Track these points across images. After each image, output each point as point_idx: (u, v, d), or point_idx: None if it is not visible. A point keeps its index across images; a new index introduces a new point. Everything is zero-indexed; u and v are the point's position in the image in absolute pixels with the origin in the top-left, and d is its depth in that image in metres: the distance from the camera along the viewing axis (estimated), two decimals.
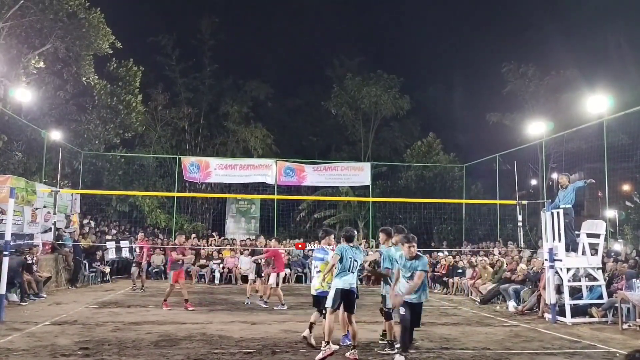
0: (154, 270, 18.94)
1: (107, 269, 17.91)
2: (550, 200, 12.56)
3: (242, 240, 21.44)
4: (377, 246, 18.98)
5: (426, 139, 28.79)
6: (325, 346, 7.11)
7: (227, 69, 29.85)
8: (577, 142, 21.09)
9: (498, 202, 20.98)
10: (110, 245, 18.76)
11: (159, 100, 27.23)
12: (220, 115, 28.83)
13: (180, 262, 12.17)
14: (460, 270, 16.65)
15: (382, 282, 8.24)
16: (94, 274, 17.28)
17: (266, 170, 22.77)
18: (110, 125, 22.69)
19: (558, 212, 11.41)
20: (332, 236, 8.61)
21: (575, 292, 11.48)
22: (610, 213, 20.71)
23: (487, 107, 28.68)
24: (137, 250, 15.72)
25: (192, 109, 28.18)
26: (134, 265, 16.26)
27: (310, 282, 9.42)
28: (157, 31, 28.33)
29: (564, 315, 10.75)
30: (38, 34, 19.33)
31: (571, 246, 11.50)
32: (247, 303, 12.85)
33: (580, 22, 33.48)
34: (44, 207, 17.41)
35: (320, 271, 8.01)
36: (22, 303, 11.96)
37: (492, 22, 46.19)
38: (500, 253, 17.01)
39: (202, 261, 19.02)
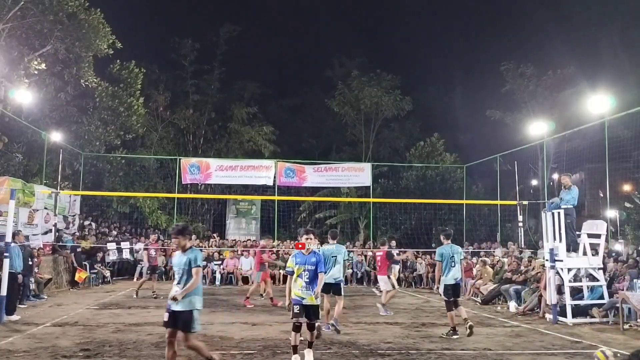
0: (156, 272, 18.92)
1: (107, 272, 17.84)
2: (551, 202, 12.52)
3: (243, 241, 21.46)
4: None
5: (430, 139, 28.78)
6: None
7: (231, 70, 29.88)
8: (577, 142, 21.07)
9: (499, 202, 20.96)
10: (111, 246, 18.76)
11: (160, 102, 27.24)
12: (224, 117, 28.84)
13: (266, 263, 13.41)
14: None
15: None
16: (94, 275, 17.26)
17: (266, 172, 22.77)
18: (111, 126, 22.69)
19: (559, 212, 11.41)
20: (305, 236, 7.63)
21: (576, 293, 11.47)
22: (611, 213, 20.67)
23: (487, 107, 28.69)
24: (153, 252, 15.16)
25: (194, 111, 28.18)
26: (148, 270, 15.10)
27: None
28: (158, 31, 28.43)
29: (565, 316, 10.74)
30: (38, 35, 19.32)
31: (572, 246, 11.49)
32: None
33: (581, 21, 33.41)
34: (45, 208, 17.42)
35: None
36: (20, 305, 11.80)
37: (491, 21, 46.15)
38: (505, 254, 16.97)
39: (203, 262, 19.00)
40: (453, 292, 9.17)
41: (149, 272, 14.98)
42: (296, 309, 7.00)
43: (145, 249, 15.68)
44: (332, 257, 9.48)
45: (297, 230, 24.46)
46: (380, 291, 13.77)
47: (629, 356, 2.52)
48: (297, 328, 7.05)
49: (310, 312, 7.05)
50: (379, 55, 43.71)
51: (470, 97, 34.35)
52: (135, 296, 14.04)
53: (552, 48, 32.22)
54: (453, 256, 9.23)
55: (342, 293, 9.62)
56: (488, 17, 45.06)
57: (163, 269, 19.26)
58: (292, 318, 7.06)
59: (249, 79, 30.77)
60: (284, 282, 17.44)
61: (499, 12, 45.37)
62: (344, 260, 9.67)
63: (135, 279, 19.00)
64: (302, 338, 7.19)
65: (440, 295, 9.53)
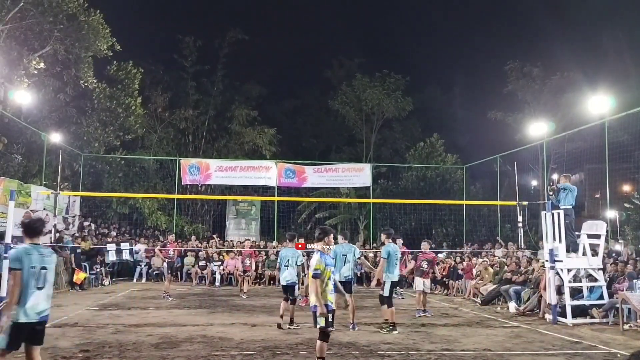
0: (154, 273, 18.92)
1: (106, 280, 17.68)
2: (550, 201, 12.53)
3: (241, 242, 21.40)
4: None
5: (429, 140, 28.80)
6: None
7: (232, 71, 29.83)
8: (577, 143, 21.08)
9: (499, 203, 20.96)
10: (111, 247, 18.75)
11: (159, 103, 27.22)
12: (224, 118, 28.83)
13: None
14: (461, 272, 16.63)
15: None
16: (94, 276, 17.24)
17: (266, 172, 22.77)
18: (110, 127, 22.70)
19: (558, 213, 11.40)
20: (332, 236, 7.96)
21: (576, 293, 11.47)
22: (611, 214, 20.66)
23: (489, 107, 28.75)
24: (171, 252, 14.84)
25: (194, 111, 28.15)
26: (169, 271, 14.70)
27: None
28: (159, 31, 28.40)
29: (565, 316, 10.73)
30: (37, 36, 19.32)
31: (572, 247, 11.49)
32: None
33: (582, 22, 33.53)
34: (44, 209, 17.39)
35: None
36: None
37: (494, 22, 46.24)
38: (505, 255, 16.95)
39: (202, 263, 18.96)
40: (394, 288, 9.89)
41: (169, 272, 14.73)
42: (330, 317, 6.30)
43: (161, 249, 15.61)
44: (343, 255, 9.89)
45: (298, 230, 24.58)
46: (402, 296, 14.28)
47: (629, 357, 2.48)
48: (328, 337, 6.41)
49: (333, 317, 6.47)
50: (379, 55, 43.82)
51: (472, 98, 34.42)
52: (169, 298, 13.79)
53: (555, 49, 32.20)
54: (396, 254, 9.89)
55: (352, 291, 9.99)
56: (490, 18, 45.13)
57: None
58: (327, 328, 6.29)
59: (250, 79, 30.79)
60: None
61: (501, 13, 45.45)
62: (355, 259, 10.04)
63: (134, 280, 19.02)
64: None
65: (382, 291, 9.77)
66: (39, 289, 4.98)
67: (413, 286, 12.55)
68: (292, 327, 9.65)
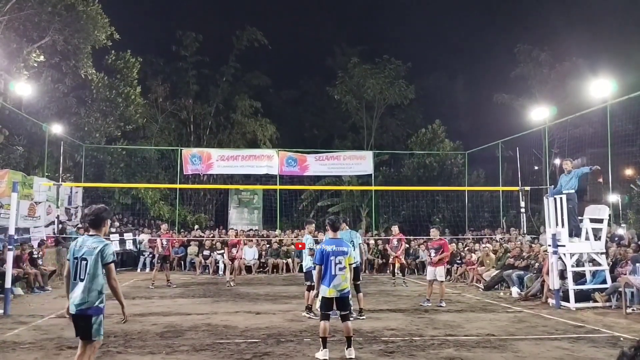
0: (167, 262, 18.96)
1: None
2: (553, 186, 12.51)
3: (245, 231, 21.48)
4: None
5: (431, 126, 28.70)
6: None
7: (240, 64, 29.61)
8: (580, 127, 20.97)
9: (501, 188, 20.92)
10: (114, 238, 18.81)
11: (159, 92, 27.14)
12: (227, 108, 28.74)
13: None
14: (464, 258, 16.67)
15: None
16: None
17: (268, 161, 22.76)
18: (110, 118, 22.66)
19: (561, 198, 11.38)
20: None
21: (579, 277, 11.48)
22: (614, 198, 20.63)
23: (491, 93, 28.63)
24: (165, 242, 14.97)
25: (196, 102, 28.07)
26: (158, 260, 14.97)
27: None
28: (159, 22, 28.28)
29: (568, 301, 10.76)
30: (36, 27, 19.22)
31: (574, 231, 11.47)
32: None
33: (583, 3, 33.08)
34: (47, 200, 17.44)
35: (345, 267, 6.83)
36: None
37: (500, 6, 45.70)
38: (504, 239, 17.00)
39: (206, 252, 19.03)
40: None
41: (159, 262, 14.92)
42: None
43: (156, 238, 15.65)
44: (350, 241, 9.78)
45: (300, 219, 24.58)
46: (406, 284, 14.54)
47: (637, 344, 2.34)
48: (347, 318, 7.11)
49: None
50: (381, 42, 43.36)
51: (474, 85, 34.24)
52: (151, 286, 14.08)
53: (561, 35, 31.73)
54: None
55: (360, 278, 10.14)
56: (496, 2, 44.61)
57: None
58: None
59: (252, 69, 30.64)
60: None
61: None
62: (359, 245, 10.07)
63: (138, 270, 19.12)
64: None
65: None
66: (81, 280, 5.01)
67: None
68: (307, 314, 9.57)
